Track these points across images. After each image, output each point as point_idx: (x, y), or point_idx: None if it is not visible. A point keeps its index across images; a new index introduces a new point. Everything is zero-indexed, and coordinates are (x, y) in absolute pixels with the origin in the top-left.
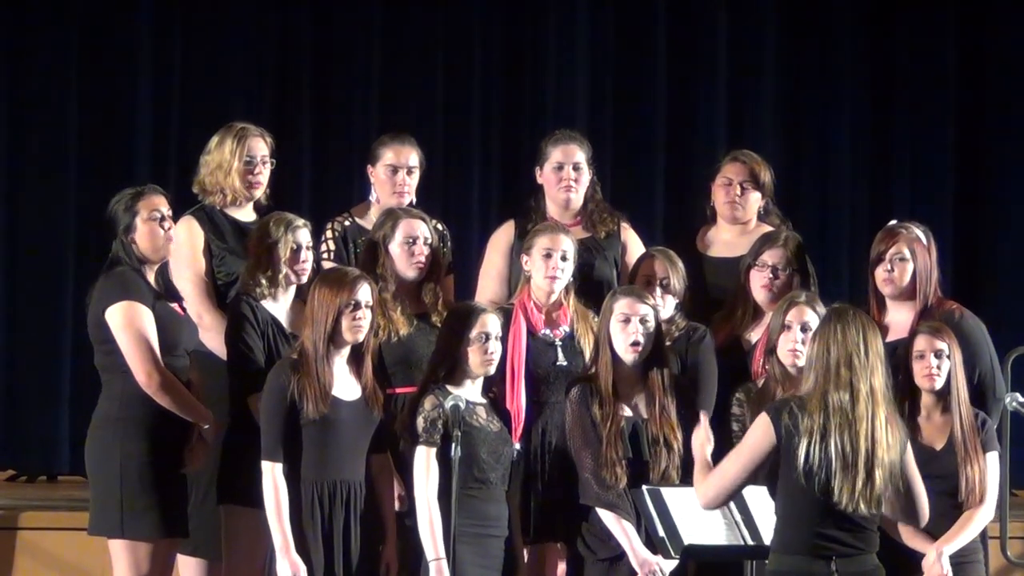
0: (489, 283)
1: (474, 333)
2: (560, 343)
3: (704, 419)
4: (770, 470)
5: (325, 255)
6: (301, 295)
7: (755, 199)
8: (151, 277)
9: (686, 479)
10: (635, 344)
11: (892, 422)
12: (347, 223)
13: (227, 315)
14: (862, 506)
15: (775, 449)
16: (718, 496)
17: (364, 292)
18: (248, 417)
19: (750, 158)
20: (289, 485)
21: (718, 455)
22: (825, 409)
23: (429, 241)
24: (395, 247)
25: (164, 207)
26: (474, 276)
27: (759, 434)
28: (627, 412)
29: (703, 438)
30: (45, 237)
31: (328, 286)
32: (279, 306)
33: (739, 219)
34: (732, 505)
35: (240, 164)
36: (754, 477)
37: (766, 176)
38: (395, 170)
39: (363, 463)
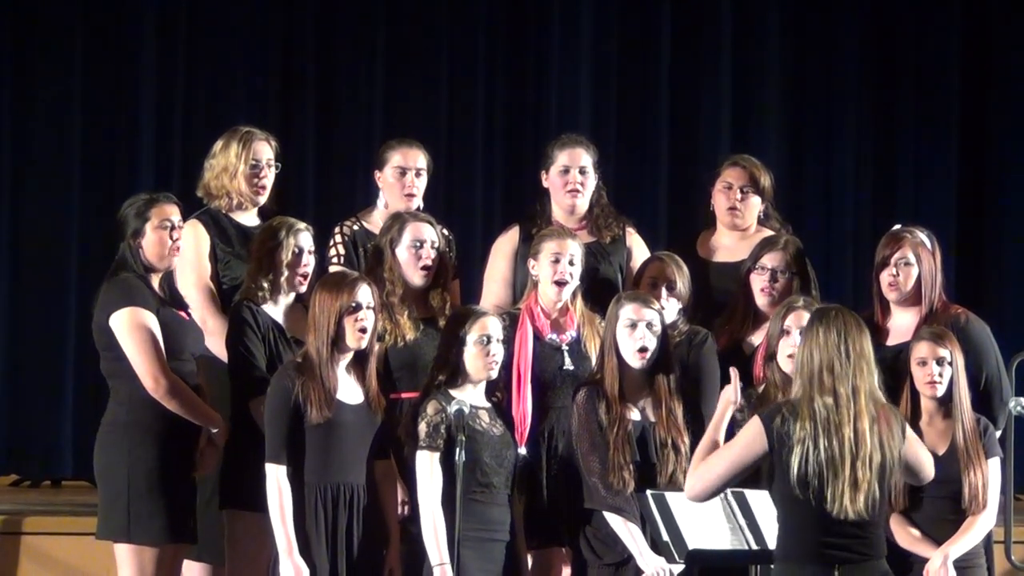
0: (494, 287)
1: (475, 337)
2: (567, 347)
3: (735, 377)
4: (768, 476)
5: (335, 259)
6: (302, 299)
7: (755, 203)
8: (155, 283)
9: None
10: (643, 350)
11: (882, 419)
12: (355, 227)
13: (228, 320)
14: (850, 511)
15: (766, 455)
16: (704, 491)
17: (364, 294)
18: (250, 421)
19: (749, 162)
20: (293, 488)
21: None
22: (813, 416)
23: (436, 245)
24: (402, 251)
25: (175, 217)
26: (477, 281)
27: (750, 438)
28: (634, 416)
29: (730, 395)
30: (48, 241)
31: (328, 290)
32: (280, 310)
33: (739, 225)
34: (736, 510)
35: (246, 168)
36: (741, 477)
37: (766, 180)
38: (403, 172)
39: (365, 466)
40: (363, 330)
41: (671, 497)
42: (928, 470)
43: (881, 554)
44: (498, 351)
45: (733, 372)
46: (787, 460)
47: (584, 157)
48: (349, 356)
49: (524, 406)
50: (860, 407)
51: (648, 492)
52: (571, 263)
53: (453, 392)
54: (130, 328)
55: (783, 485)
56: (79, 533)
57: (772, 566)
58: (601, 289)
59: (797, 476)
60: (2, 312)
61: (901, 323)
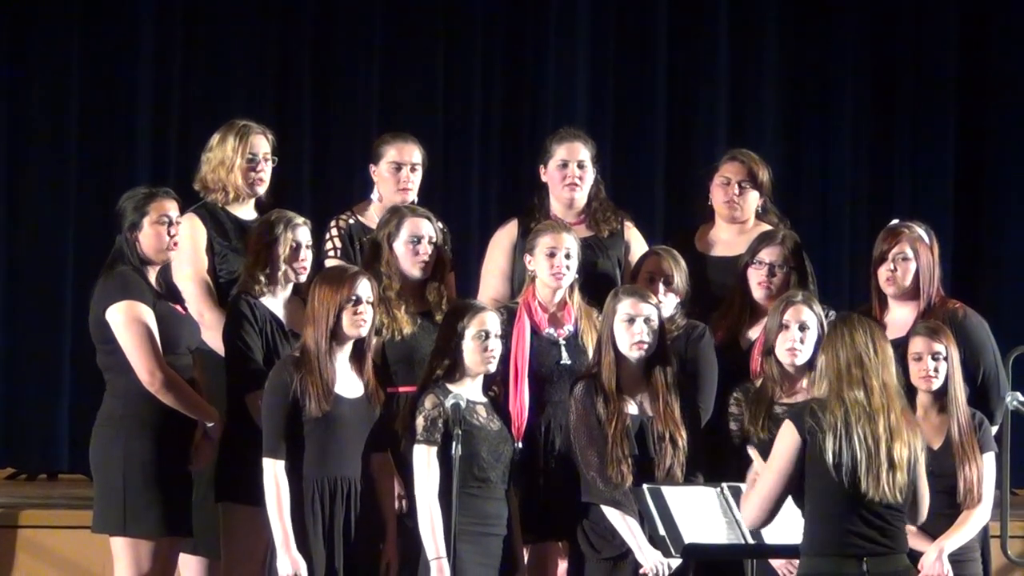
0: (492, 282)
1: (473, 331)
2: (564, 342)
3: (755, 456)
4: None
5: (331, 252)
6: (300, 293)
7: (753, 198)
8: (152, 277)
9: (690, 476)
10: (640, 344)
11: (907, 418)
12: (351, 221)
13: (226, 313)
14: (888, 495)
15: (802, 452)
16: (764, 514)
17: (364, 287)
18: (246, 415)
19: (748, 157)
20: (290, 482)
21: (718, 454)
22: (844, 406)
23: (434, 240)
24: (399, 245)
25: (174, 212)
26: (473, 275)
27: (786, 442)
28: (632, 410)
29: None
30: (45, 234)
31: (328, 283)
32: (279, 303)
33: (737, 219)
34: (732, 504)
35: (243, 161)
36: (792, 485)
37: (764, 175)
38: (399, 167)
39: (362, 460)
40: (362, 323)
41: (667, 491)
42: (924, 509)
43: (904, 548)
44: (496, 346)
45: (753, 452)
46: (822, 446)
47: (583, 151)
48: (348, 348)
49: (521, 400)
50: (891, 398)
51: (644, 486)
52: (567, 257)
53: (450, 386)
54: (126, 322)
55: (815, 475)
56: (75, 526)
57: (799, 561)
58: (599, 283)
59: (832, 462)
60: None
61: (899, 318)
